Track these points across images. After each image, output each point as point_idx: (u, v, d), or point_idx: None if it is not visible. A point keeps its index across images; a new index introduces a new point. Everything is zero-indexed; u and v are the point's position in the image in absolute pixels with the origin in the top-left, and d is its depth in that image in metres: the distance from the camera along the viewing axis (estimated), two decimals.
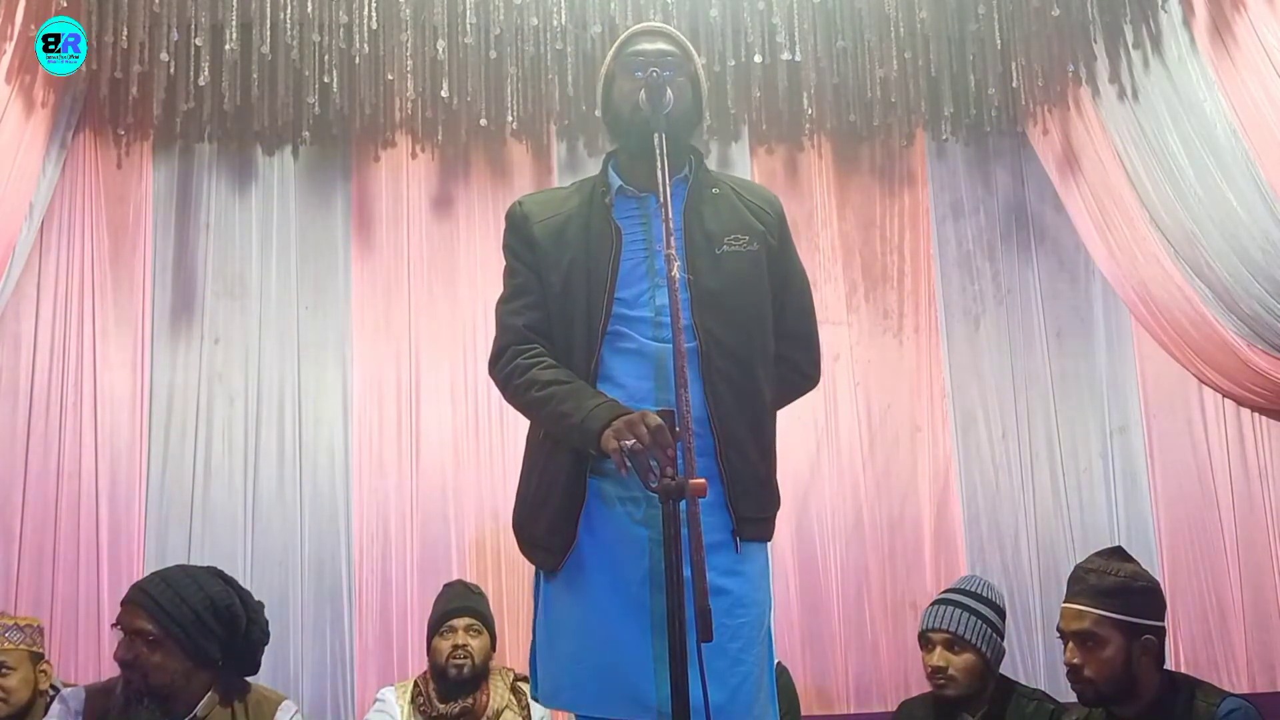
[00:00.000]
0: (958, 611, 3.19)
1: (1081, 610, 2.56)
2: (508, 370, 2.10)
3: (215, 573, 2.73)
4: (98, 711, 2.65)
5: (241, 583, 2.77)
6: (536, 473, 2.10)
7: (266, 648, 2.77)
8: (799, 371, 2.25)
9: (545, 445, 2.09)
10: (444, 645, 3.44)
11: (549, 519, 2.04)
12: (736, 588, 1.98)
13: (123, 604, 2.65)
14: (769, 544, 2.13)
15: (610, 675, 1.95)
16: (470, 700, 3.42)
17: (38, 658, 3.17)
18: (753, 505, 2.05)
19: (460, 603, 3.51)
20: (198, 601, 2.60)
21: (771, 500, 2.12)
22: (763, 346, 2.11)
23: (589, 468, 2.02)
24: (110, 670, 3.71)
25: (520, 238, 2.16)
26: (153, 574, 2.73)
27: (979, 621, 3.17)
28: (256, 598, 2.77)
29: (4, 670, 3.06)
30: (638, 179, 2.14)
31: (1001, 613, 3.28)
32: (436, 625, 3.49)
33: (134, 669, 2.58)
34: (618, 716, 1.95)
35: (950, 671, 3.15)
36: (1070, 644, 2.58)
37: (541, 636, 2.10)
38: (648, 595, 1.94)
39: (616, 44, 2.24)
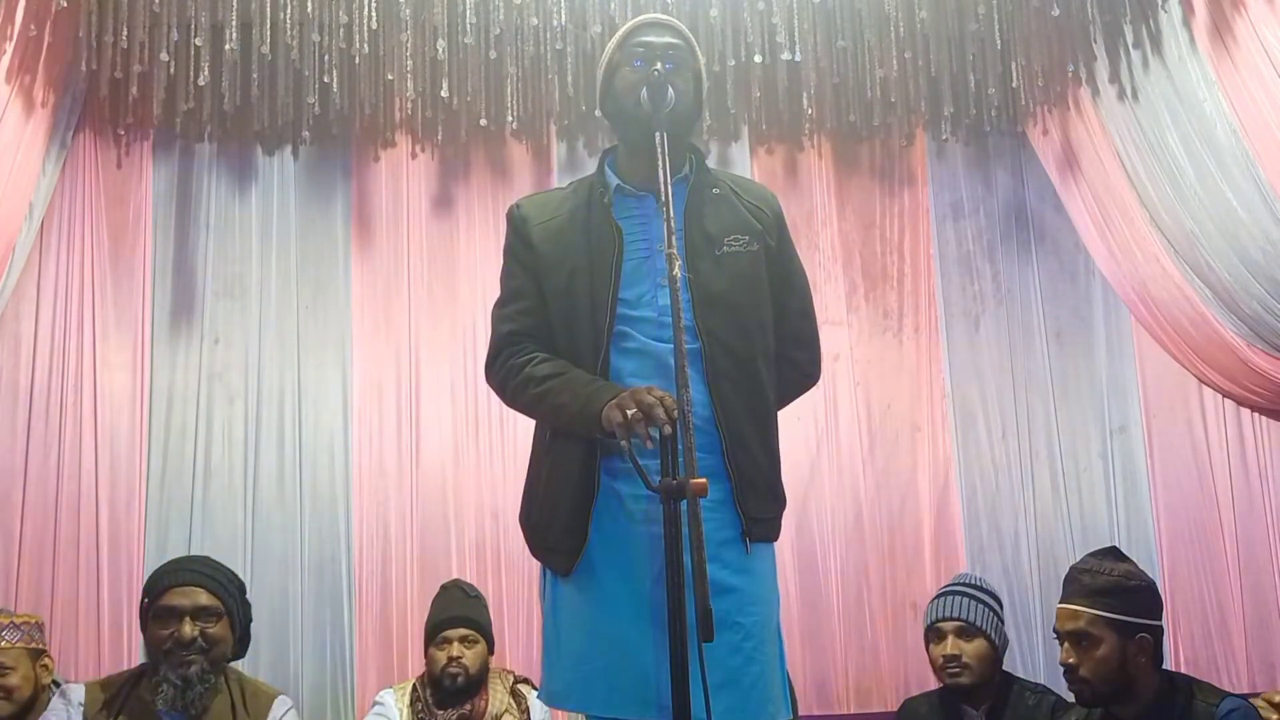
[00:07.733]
0: (966, 600, 3.21)
1: (1075, 610, 2.57)
2: (503, 373, 2.12)
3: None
4: (98, 705, 2.67)
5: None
6: (545, 474, 2.08)
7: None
8: (800, 371, 2.25)
9: (554, 446, 2.07)
10: (440, 656, 3.38)
11: (563, 521, 2.02)
12: (747, 586, 1.98)
13: (172, 587, 2.67)
14: (774, 544, 2.13)
15: (620, 674, 1.94)
16: (469, 706, 3.38)
17: (37, 654, 3.16)
18: (760, 505, 2.04)
19: (454, 612, 3.43)
20: (235, 579, 2.74)
21: (777, 501, 2.11)
22: (764, 347, 2.10)
23: (600, 465, 2.00)
24: (109, 668, 3.73)
25: (520, 240, 2.15)
26: (182, 558, 2.82)
27: (987, 610, 3.21)
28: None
29: (4, 670, 3.06)
30: (636, 177, 2.11)
31: (1001, 604, 3.32)
32: (431, 634, 3.44)
33: (193, 648, 2.61)
34: (627, 716, 1.94)
35: (964, 659, 3.14)
36: (1065, 644, 2.58)
37: (550, 637, 2.07)
38: (660, 594, 1.91)
39: (621, 33, 2.17)
